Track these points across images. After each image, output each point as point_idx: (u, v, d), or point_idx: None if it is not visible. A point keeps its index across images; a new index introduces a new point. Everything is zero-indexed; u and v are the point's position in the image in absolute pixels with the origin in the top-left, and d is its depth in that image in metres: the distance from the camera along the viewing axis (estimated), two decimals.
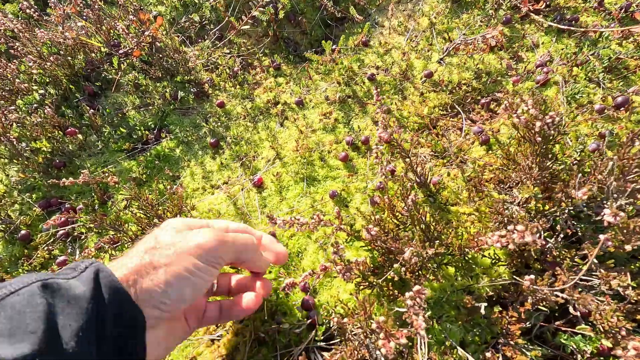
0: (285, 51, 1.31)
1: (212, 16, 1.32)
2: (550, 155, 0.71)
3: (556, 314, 0.67)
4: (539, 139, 0.69)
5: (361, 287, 0.61)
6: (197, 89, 1.13)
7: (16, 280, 0.40)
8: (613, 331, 0.54)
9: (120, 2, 1.28)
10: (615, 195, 0.56)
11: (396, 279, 0.66)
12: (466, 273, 0.71)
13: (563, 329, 0.62)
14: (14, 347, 0.34)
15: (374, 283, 0.61)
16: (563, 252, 0.68)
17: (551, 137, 0.70)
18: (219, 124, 1.09)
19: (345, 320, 0.52)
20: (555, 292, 0.55)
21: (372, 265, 0.68)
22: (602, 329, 0.57)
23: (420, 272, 0.66)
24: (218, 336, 0.73)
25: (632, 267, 0.58)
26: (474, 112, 1.03)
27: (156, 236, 0.51)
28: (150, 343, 0.47)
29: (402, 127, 1.02)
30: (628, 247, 0.51)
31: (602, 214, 0.52)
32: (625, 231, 0.52)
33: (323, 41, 1.11)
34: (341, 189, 0.91)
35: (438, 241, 0.66)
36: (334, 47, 1.26)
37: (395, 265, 0.60)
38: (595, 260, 0.64)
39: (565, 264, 0.59)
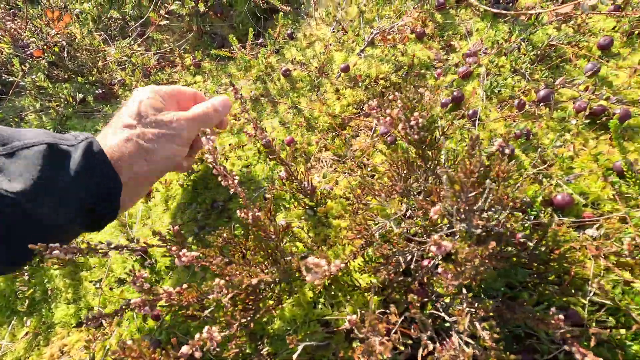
0: (210, 47, 1.22)
1: (136, 12, 1.25)
2: (430, 163, 0.60)
3: None
4: (407, 143, 0.58)
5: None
6: (103, 90, 1.06)
7: (30, 134, 0.53)
8: None
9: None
10: (460, 217, 0.45)
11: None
12: (328, 300, 0.61)
13: None
14: (16, 183, 0.47)
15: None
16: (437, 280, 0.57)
17: (425, 141, 0.59)
18: None
19: None
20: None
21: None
22: None
23: (262, 299, 0.56)
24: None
25: (488, 303, 0.46)
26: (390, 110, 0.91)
27: (138, 112, 0.65)
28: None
29: (311, 127, 0.92)
30: (453, 286, 0.40)
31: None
32: (459, 263, 0.41)
33: (230, 35, 1.02)
34: (228, 198, 0.82)
35: (284, 262, 0.56)
36: (261, 40, 1.17)
37: (212, 297, 0.51)
38: (465, 291, 0.53)
39: (412, 298, 0.48)
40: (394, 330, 0.50)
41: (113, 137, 0.62)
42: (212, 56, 1.18)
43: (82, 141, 0.56)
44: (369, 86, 0.93)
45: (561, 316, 0.43)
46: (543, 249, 0.55)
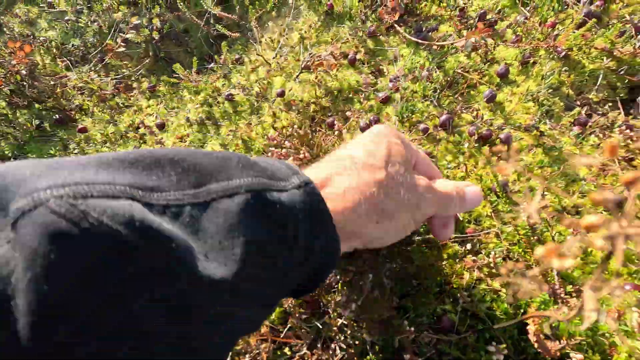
0: (167, 71, 1.30)
1: (96, 40, 1.33)
2: None
3: None
4: None
5: None
6: (60, 115, 1.13)
7: (237, 169, 0.33)
8: None
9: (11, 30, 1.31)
10: None
11: None
12: None
13: None
14: (217, 265, 0.29)
15: None
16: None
17: None
18: (79, 150, 1.10)
19: None
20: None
21: None
22: None
23: None
24: None
25: (356, 312, 0.53)
26: (319, 133, 0.99)
27: (386, 168, 0.45)
28: None
29: (249, 150, 1.00)
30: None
31: None
32: None
33: (177, 64, 1.09)
34: None
35: None
36: (211, 65, 1.25)
37: None
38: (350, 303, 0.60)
39: (291, 309, 0.55)
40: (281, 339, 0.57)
41: (339, 178, 0.42)
42: (168, 81, 1.26)
43: (302, 186, 0.36)
44: (301, 110, 1.01)
45: (405, 322, 0.51)
46: (415, 263, 0.62)
